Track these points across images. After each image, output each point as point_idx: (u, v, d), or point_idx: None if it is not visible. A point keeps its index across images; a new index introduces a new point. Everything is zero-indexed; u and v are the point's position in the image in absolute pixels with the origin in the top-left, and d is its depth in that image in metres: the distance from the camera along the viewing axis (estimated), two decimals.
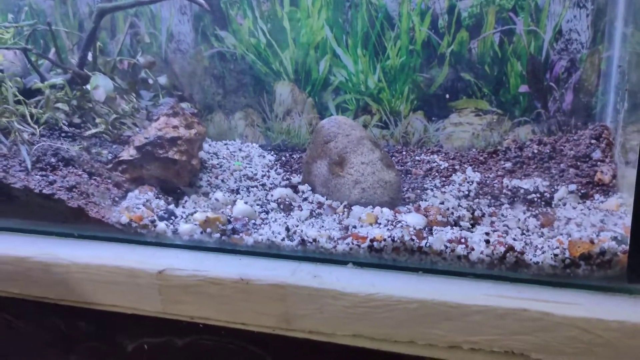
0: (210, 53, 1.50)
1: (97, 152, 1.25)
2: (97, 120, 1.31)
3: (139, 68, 1.48)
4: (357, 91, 1.44)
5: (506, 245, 0.95)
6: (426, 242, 0.98)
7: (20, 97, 1.26)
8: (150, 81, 1.48)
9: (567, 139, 1.29)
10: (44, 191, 1.11)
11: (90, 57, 1.37)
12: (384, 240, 0.99)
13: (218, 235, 1.07)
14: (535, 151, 1.30)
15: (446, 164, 1.34)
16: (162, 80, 1.48)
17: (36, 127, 1.25)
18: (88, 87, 1.32)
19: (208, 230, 1.08)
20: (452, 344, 0.92)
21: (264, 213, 1.16)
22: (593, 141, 1.25)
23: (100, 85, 1.32)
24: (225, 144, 1.53)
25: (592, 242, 0.92)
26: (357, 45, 1.40)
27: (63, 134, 1.27)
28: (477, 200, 1.17)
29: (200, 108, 1.53)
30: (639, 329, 0.82)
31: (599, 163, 1.21)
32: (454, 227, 1.05)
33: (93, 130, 1.29)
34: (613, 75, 1.26)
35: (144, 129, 1.31)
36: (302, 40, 1.43)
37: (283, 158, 1.47)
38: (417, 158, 1.38)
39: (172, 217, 1.13)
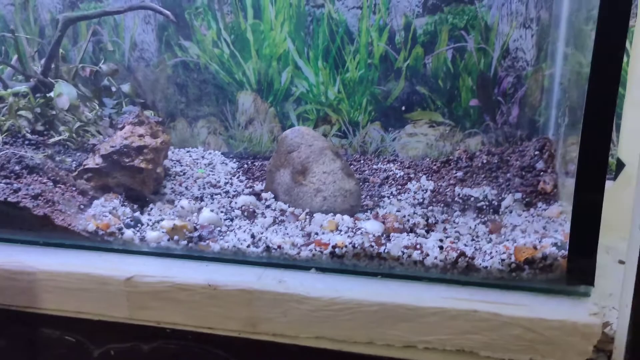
0: (173, 62, 1.53)
1: (62, 160, 1.26)
2: (61, 128, 1.32)
3: (101, 76, 1.50)
4: (317, 102, 1.50)
5: (458, 251, 1.02)
6: (384, 249, 1.04)
7: None
8: (113, 89, 1.49)
9: (513, 150, 1.39)
10: (8, 199, 1.12)
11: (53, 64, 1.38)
12: (345, 246, 1.05)
13: (185, 242, 1.11)
14: (484, 161, 1.38)
15: (402, 173, 1.42)
16: (125, 88, 1.50)
17: None
18: (52, 94, 1.32)
19: (175, 237, 1.11)
20: (408, 344, 0.98)
21: (228, 220, 1.20)
22: (537, 152, 1.34)
23: (64, 93, 1.33)
24: (188, 152, 1.56)
25: (535, 247, 1.00)
26: (318, 57, 1.46)
27: (27, 142, 1.27)
28: (431, 207, 1.25)
29: (163, 116, 1.55)
30: (577, 327, 0.91)
31: (542, 173, 1.30)
32: (409, 234, 1.12)
33: (57, 138, 1.30)
34: (555, 92, 1.36)
35: (107, 136, 1.33)
36: (265, 52, 1.48)
37: (245, 165, 1.51)
38: (374, 167, 1.45)
39: (139, 225, 1.16)
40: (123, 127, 1.28)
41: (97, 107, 1.41)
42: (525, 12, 1.35)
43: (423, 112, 1.45)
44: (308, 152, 1.25)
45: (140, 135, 1.26)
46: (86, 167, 1.23)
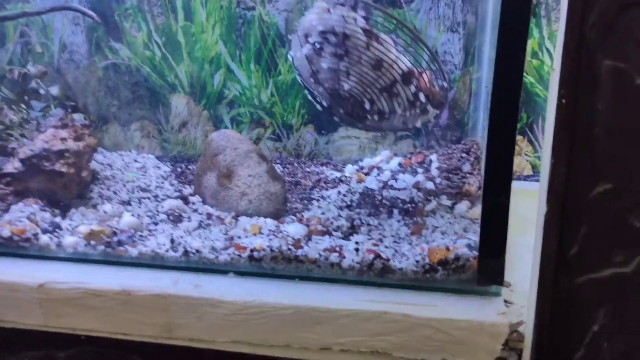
0: (104, 64, 1.50)
1: None
2: None
3: (29, 78, 1.46)
4: (250, 105, 1.49)
5: (374, 253, 1.03)
6: (302, 251, 1.04)
7: None
8: (42, 91, 1.46)
9: (442, 153, 1.40)
10: None
11: None
12: (264, 249, 1.05)
13: (102, 247, 1.09)
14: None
15: (333, 176, 1.42)
16: (54, 90, 1.47)
17: None
18: None
19: (92, 242, 1.09)
20: (323, 346, 0.98)
21: (152, 224, 1.19)
22: (464, 155, 1.36)
23: None
24: (121, 155, 1.54)
25: (447, 249, 1.01)
26: (250, 60, 1.46)
27: None
28: (358, 210, 1.25)
29: (94, 119, 1.53)
30: (484, 326, 0.92)
31: (467, 175, 1.32)
32: (332, 236, 1.13)
33: None
34: (482, 95, 1.38)
35: (31, 140, 1.30)
36: (197, 54, 1.47)
37: (179, 169, 1.49)
38: (307, 170, 1.45)
39: (57, 230, 1.14)
40: (45, 131, 1.25)
41: (23, 111, 1.38)
42: (453, 16, 1.37)
43: None
44: (233, 155, 1.25)
45: (63, 139, 1.24)
46: (4, 171, 1.20)
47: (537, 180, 1.41)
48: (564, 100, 0.78)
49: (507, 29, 0.87)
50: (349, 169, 1.44)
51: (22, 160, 1.20)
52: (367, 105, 1.10)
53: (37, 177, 1.20)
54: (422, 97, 1.10)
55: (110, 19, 1.46)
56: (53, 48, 1.51)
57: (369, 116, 1.11)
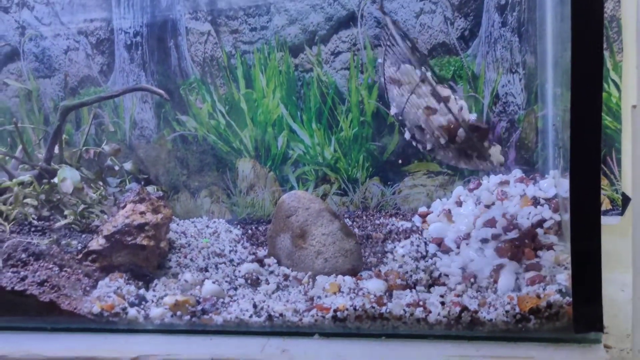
0: (172, 137, 1.57)
1: (67, 244, 1.29)
2: (66, 212, 1.35)
3: (104, 156, 1.54)
4: (315, 163, 1.52)
5: (460, 306, 1.00)
6: (386, 308, 1.03)
7: None
8: (116, 168, 1.53)
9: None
10: (15, 288, 1.14)
11: (56, 150, 1.43)
12: (347, 309, 1.04)
13: (188, 317, 1.11)
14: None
15: (405, 226, 1.41)
16: (128, 166, 1.54)
17: (5, 224, 1.28)
18: (55, 180, 1.37)
19: (178, 313, 1.11)
20: None
21: (232, 290, 1.20)
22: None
23: (68, 177, 1.37)
24: (193, 222, 1.58)
25: (538, 296, 0.98)
26: (311, 120, 1.49)
27: (33, 228, 1.31)
28: (433, 259, 1.23)
29: (166, 189, 1.58)
30: None
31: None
32: (412, 290, 1.11)
33: (62, 222, 1.33)
34: (549, 132, 1.36)
35: (112, 216, 1.36)
36: (260, 119, 1.52)
37: (249, 231, 1.52)
38: (376, 222, 1.45)
39: (143, 302, 1.17)
40: (125, 206, 1.31)
41: (101, 188, 1.45)
42: (511, 57, 1.37)
43: (420, 164, 1.46)
44: (306, 215, 1.26)
45: (142, 213, 1.28)
46: (90, 249, 1.25)
47: (617, 214, 1.36)
48: None
49: (581, 69, 0.85)
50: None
51: (106, 237, 1.24)
52: None
53: (120, 251, 1.24)
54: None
55: (176, 93, 1.53)
56: (124, 126, 1.59)
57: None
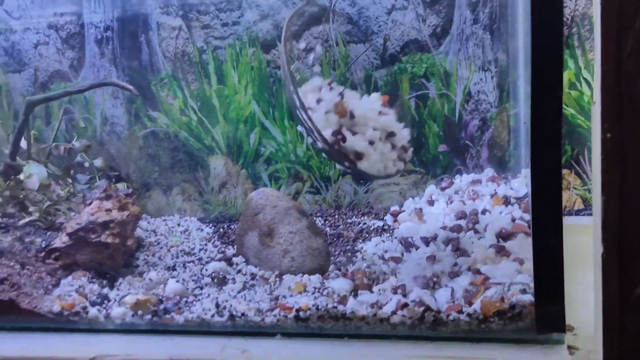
0: (144, 133, 1.55)
1: (31, 241, 1.26)
2: (31, 208, 1.33)
3: (75, 152, 1.52)
4: (287, 160, 1.50)
5: (424, 305, 0.99)
6: (350, 308, 1.01)
7: None
8: (87, 164, 1.51)
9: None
10: None
11: (25, 146, 1.41)
12: (309, 309, 1.02)
13: (149, 316, 1.09)
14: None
15: (376, 225, 1.39)
16: (98, 162, 1.52)
17: None
18: (21, 176, 1.34)
19: (139, 312, 1.09)
20: None
21: (198, 289, 1.18)
22: None
23: (34, 174, 1.35)
24: (164, 220, 1.56)
25: (502, 300, 0.96)
26: (283, 117, 1.47)
27: None
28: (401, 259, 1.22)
29: (137, 187, 1.56)
30: None
31: None
32: (376, 290, 1.09)
33: (26, 219, 1.30)
34: (521, 131, 1.35)
35: (78, 213, 1.33)
36: (232, 115, 1.50)
37: (221, 230, 1.50)
38: (348, 221, 1.43)
39: (106, 301, 1.14)
40: (91, 203, 1.28)
41: (69, 185, 1.42)
42: (483, 55, 1.36)
43: None
44: (273, 213, 1.24)
45: (108, 210, 1.26)
46: (53, 246, 1.22)
47: (590, 214, 1.35)
48: (608, 135, 0.75)
49: (540, 64, 0.84)
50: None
51: (69, 234, 1.22)
52: None
53: (84, 249, 1.22)
54: None
55: (147, 89, 1.51)
56: (95, 122, 1.56)
57: None
